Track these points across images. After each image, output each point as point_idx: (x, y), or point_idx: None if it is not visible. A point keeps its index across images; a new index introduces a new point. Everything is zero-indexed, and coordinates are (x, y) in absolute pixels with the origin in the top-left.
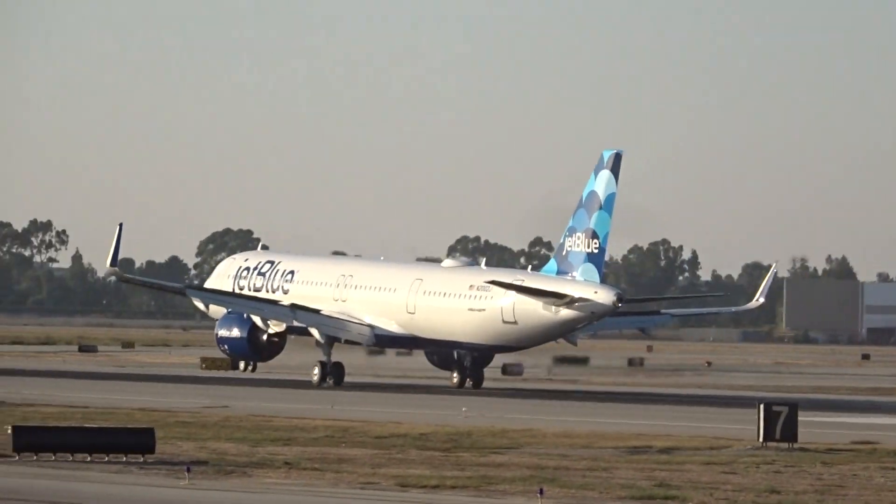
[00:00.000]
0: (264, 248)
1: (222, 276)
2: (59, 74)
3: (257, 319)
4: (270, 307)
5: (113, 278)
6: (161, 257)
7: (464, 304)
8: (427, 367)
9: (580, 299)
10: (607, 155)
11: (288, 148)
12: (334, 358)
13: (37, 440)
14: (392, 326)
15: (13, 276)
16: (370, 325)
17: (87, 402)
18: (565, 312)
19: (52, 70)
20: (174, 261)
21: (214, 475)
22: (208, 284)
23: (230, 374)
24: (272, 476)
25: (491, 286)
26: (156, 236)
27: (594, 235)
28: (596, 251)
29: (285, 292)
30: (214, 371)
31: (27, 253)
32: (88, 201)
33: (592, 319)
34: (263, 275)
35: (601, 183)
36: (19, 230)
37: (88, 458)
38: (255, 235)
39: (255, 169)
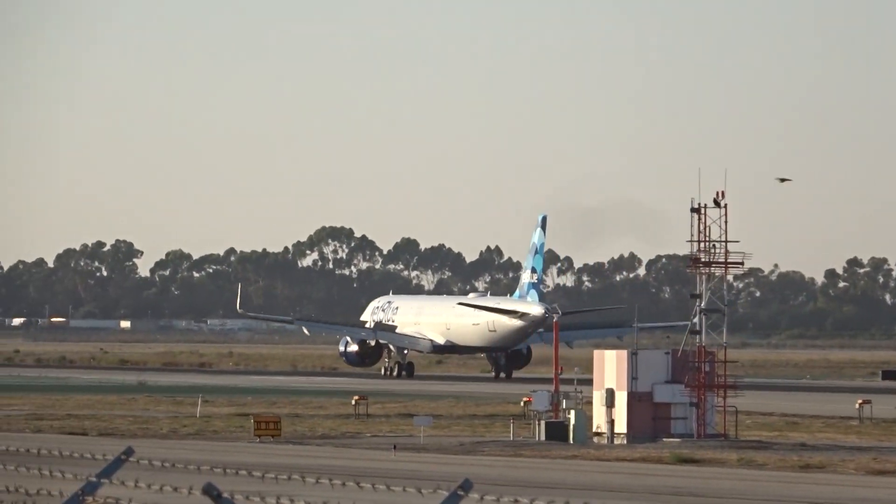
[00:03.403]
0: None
1: (367, 313)
2: None
3: (349, 337)
4: (361, 329)
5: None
6: None
7: (470, 320)
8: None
9: (524, 313)
10: (540, 217)
11: None
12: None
13: None
14: (440, 339)
15: None
16: (430, 339)
17: None
18: (518, 322)
19: None
20: None
21: None
22: (363, 318)
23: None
24: None
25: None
26: None
27: (534, 271)
28: (536, 281)
29: (393, 321)
30: None
31: None
32: None
33: (535, 326)
34: (384, 310)
35: (536, 237)
36: None
37: None
38: None
39: None
